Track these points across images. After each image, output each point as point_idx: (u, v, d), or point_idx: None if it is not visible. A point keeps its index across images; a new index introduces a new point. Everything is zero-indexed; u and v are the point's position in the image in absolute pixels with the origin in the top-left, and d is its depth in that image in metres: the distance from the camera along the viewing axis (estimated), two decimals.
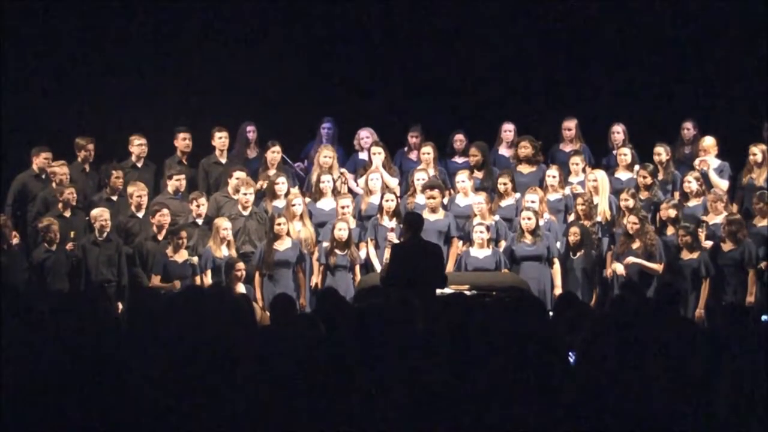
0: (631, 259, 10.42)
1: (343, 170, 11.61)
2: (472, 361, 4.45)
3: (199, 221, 10.99)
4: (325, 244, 10.74)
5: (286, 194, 11.14)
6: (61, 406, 4.15)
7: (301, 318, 6.29)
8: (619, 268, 10.46)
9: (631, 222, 10.49)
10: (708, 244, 10.54)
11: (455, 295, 7.76)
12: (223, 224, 10.63)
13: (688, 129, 11.92)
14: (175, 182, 11.32)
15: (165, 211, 10.78)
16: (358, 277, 10.66)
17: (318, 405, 4.22)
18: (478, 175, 11.57)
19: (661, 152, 11.45)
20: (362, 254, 10.84)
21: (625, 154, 11.58)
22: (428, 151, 11.59)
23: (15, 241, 10.62)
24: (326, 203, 11.23)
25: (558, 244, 10.80)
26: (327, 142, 11.97)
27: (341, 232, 10.59)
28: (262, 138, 11.99)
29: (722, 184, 11.23)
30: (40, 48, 12.81)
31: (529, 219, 10.60)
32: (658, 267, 10.44)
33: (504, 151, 12.10)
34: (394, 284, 9.21)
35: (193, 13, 13.08)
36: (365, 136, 12.03)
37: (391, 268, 9.42)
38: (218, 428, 4.13)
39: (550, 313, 8.05)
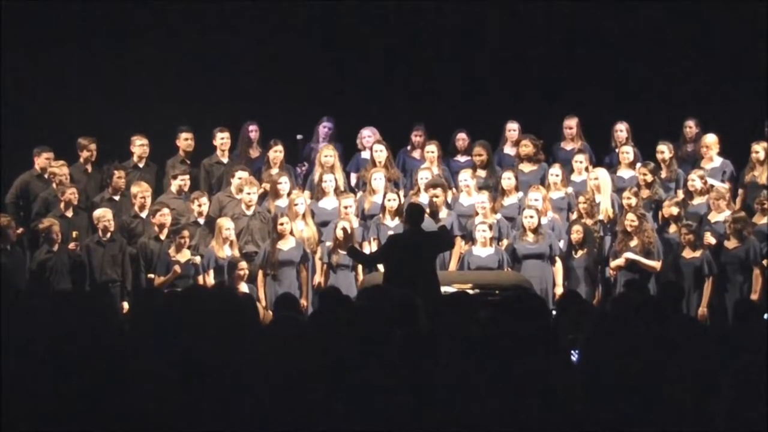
0: (629, 255, 10.43)
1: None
2: (475, 360, 4.45)
3: (201, 221, 11.00)
4: (328, 243, 10.74)
5: (289, 194, 11.15)
6: (63, 407, 4.15)
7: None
8: (618, 261, 10.47)
9: (629, 220, 10.50)
10: (713, 241, 10.53)
11: (458, 294, 7.76)
12: (226, 224, 10.63)
13: (690, 127, 11.92)
14: (180, 182, 11.32)
15: (165, 210, 10.77)
16: (361, 276, 10.66)
17: (319, 404, 4.22)
18: (481, 173, 11.57)
19: (664, 150, 11.45)
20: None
21: (627, 153, 11.59)
22: (432, 150, 11.60)
23: (19, 231, 10.63)
24: (328, 202, 11.23)
25: (561, 243, 10.80)
26: (325, 141, 11.98)
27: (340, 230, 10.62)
28: (265, 137, 11.99)
29: (723, 187, 11.21)
30: (42, 48, 12.82)
31: (531, 217, 10.60)
32: (655, 265, 10.45)
33: (509, 150, 12.11)
34: (370, 263, 10.10)
35: (194, 13, 13.08)
36: (368, 135, 12.03)
37: (376, 252, 9.93)
38: (221, 428, 4.13)
39: (553, 312, 8.07)
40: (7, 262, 10.26)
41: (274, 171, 11.49)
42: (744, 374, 4.57)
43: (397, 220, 10.75)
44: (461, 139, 12.05)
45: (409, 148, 12.14)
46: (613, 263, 10.57)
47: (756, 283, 10.36)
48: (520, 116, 12.25)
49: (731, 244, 10.48)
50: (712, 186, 11.04)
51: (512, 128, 12.15)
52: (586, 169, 11.46)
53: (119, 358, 4.35)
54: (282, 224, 10.62)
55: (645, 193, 11.05)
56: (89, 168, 11.65)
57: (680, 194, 11.17)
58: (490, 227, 10.66)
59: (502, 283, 10.04)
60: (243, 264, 10.48)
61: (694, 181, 11.06)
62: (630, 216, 10.51)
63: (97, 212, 10.71)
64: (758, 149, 11.28)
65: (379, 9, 13.27)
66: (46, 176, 11.33)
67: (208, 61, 13.07)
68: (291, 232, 10.69)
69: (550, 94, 12.90)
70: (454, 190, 11.46)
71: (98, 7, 12.92)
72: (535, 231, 10.61)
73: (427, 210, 10.29)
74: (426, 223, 9.75)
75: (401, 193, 11.35)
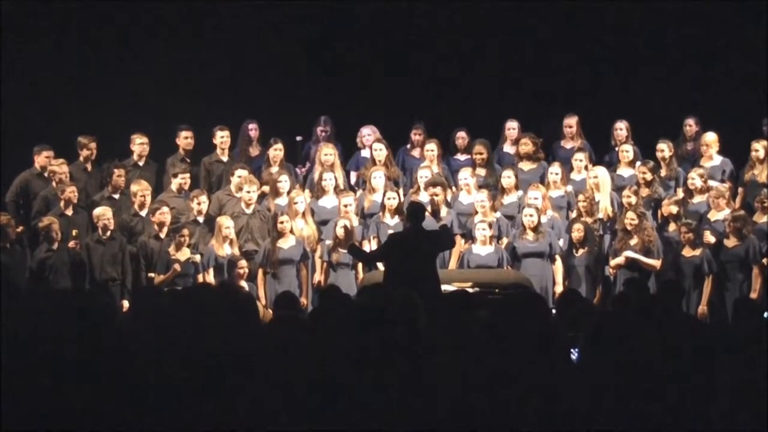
0: (628, 254, 10.44)
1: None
2: (475, 359, 4.45)
3: (200, 219, 11.00)
4: (328, 241, 10.75)
5: (289, 192, 11.16)
6: (63, 407, 4.14)
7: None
8: (618, 260, 10.48)
9: (629, 218, 10.50)
10: (712, 240, 10.53)
11: (458, 293, 7.76)
12: (225, 222, 10.64)
13: (690, 125, 11.93)
14: (180, 180, 11.33)
15: (165, 209, 10.77)
16: (361, 275, 10.67)
17: (319, 403, 4.22)
18: (481, 172, 11.57)
19: (664, 149, 11.46)
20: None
21: (627, 151, 11.59)
22: (432, 149, 11.61)
23: (19, 230, 10.64)
24: (328, 201, 11.23)
25: (561, 241, 10.80)
26: (324, 141, 11.98)
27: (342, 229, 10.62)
28: (265, 136, 11.99)
29: (722, 186, 11.21)
30: (42, 47, 12.83)
31: (531, 216, 10.61)
32: (655, 263, 10.45)
33: (509, 148, 12.11)
34: (371, 261, 10.13)
35: (194, 12, 13.08)
36: (367, 133, 12.04)
37: (377, 250, 9.92)
38: (222, 427, 4.13)
39: (553, 311, 8.06)
40: (7, 260, 10.26)
41: (274, 169, 11.49)
42: (743, 374, 4.57)
43: (396, 219, 10.76)
44: (461, 137, 12.05)
45: (408, 146, 12.15)
46: (613, 262, 10.58)
47: (755, 281, 10.36)
48: (520, 115, 12.25)
49: (731, 242, 10.48)
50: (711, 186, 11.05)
51: (512, 127, 12.16)
52: (586, 167, 11.46)
53: (119, 357, 4.35)
54: (282, 223, 10.63)
55: (645, 191, 11.05)
56: (89, 166, 11.66)
57: (680, 193, 11.18)
58: (490, 226, 10.66)
59: (501, 281, 10.05)
60: (243, 262, 10.49)
61: (694, 179, 11.06)
62: (630, 214, 10.51)
63: (97, 211, 10.71)
64: (758, 148, 11.28)
65: (379, 8, 13.26)
66: (46, 175, 11.34)
67: (208, 61, 13.07)
68: (291, 231, 10.69)
69: (550, 93, 12.90)
70: (453, 188, 11.46)
71: (99, 6, 12.92)
72: (535, 229, 10.61)
73: (428, 209, 10.29)
74: (426, 221, 9.75)
75: (401, 191, 11.36)
